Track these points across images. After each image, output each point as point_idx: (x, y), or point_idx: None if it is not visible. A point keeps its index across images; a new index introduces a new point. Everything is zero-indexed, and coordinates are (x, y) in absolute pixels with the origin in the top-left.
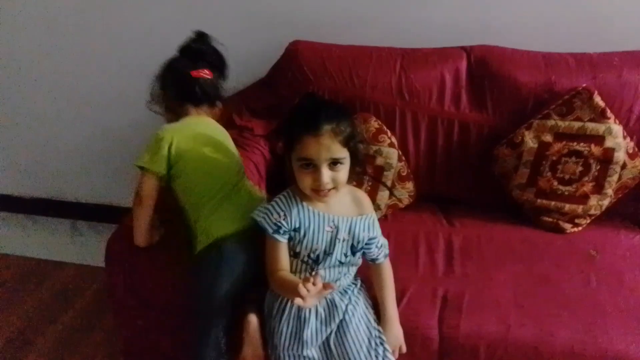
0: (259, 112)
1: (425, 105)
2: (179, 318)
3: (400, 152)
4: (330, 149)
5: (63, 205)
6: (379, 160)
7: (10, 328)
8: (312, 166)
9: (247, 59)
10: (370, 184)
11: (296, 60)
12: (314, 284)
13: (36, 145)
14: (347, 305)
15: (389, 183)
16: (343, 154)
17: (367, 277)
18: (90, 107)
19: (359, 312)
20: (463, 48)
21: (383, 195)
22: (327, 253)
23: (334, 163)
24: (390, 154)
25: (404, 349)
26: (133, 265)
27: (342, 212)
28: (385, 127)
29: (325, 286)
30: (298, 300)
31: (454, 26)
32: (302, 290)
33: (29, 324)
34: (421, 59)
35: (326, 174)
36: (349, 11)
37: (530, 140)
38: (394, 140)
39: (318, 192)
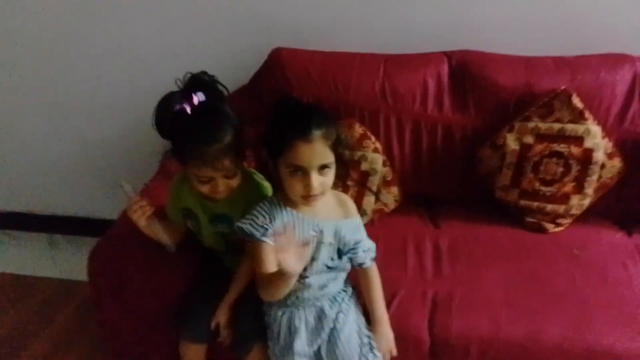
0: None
1: (409, 110)
2: (170, 327)
3: (385, 158)
4: (322, 154)
5: (39, 219)
6: (364, 166)
7: None
8: (301, 172)
9: (228, 66)
10: (356, 189)
11: (279, 68)
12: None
13: (11, 158)
14: (337, 314)
15: (374, 188)
16: (331, 158)
17: (356, 283)
18: (68, 119)
19: (349, 320)
20: (444, 53)
21: (369, 200)
22: (314, 258)
23: (322, 168)
24: (375, 159)
25: (395, 352)
26: (120, 276)
27: (327, 216)
28: (369, 133)
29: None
30: (283, 260)
31: (435, 30)
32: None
33: (9, 342)
34: (404, 63)
35: (316, 179)
36: (330, 17)
37: (512, 142)
38: (378, 145)
39: (307, 197)
